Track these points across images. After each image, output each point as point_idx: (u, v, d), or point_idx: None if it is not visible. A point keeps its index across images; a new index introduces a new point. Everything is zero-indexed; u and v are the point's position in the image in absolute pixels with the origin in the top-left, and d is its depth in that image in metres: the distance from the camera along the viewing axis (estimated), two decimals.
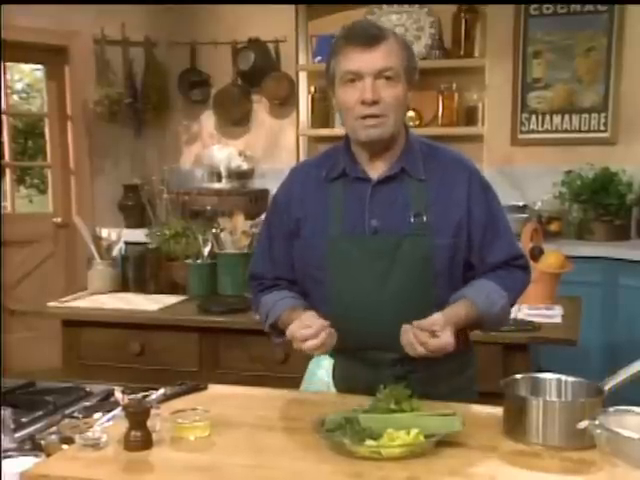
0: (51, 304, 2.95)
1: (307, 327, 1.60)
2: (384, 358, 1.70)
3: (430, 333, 1.55)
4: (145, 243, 3.28)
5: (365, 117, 1.64)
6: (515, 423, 1.43)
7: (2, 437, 1.46)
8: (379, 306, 1.67)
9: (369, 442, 1.35)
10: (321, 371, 1.81)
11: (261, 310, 1.84)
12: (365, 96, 1.62)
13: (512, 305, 1.79)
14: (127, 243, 3.39)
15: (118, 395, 1.49)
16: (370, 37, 1.63)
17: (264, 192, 4.56)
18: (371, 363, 1.71)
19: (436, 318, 1.58)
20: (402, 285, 1.67)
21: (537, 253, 2.82)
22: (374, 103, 1.62)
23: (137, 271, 3.15)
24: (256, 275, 1.88)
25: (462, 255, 1.72)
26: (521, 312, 2.61)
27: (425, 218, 1.68)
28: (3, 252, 4.60)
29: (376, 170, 1.72)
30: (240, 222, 3.08)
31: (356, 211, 1.70)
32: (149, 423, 1.41)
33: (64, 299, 2.99)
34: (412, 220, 1.68)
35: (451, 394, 1.67)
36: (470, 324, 1.71)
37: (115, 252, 3.21)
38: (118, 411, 1.55)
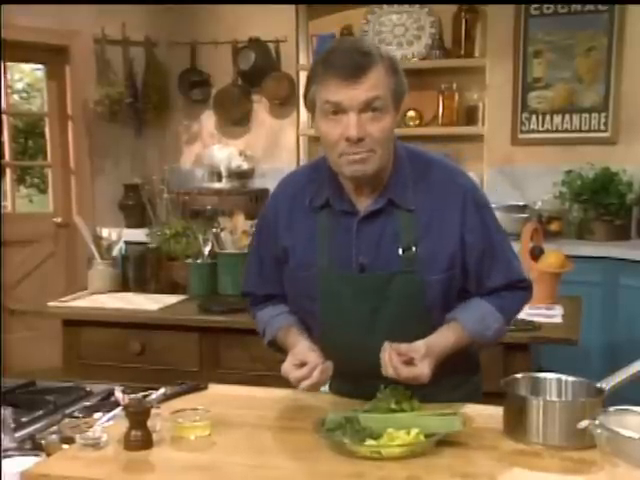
0: (51, 304, 2.94)
1: (300, 364, 1.55)
2: (380, 385, 1.60)
3: (407, 360, 1.50)
4: (145, 243, 3.28)
5: (350, 153, 1.51)
6: (515, 423, 1.43)
7: (2, 437, 1.46)
8: (372, 340, 1.56)
9: (369, 442, 1.35)
10: None
11: (258, 325, 1.83)
12: (350, 133, 1.47)
13: (508, 324, 1.73)
14: (127, 243, 3.39)
15: (118, 395, 1.49)
16: (354, 67, 1.46)
17: (264, 192, 4.55)
18: (368, 387, 1.62)
19: (417, 346, 1.52)
20: (394, 319, 1.60)
21: (537, 253, 2.82)
22: (359, 140, 1.48)
23: (137, 271, 3.15)
24: (248, 293, 1.86)
25: (457, 284, 1.63)
26: (521, 312, 2.61)
27: (415, 250, 1.58)
28: (3, 252, 4.59)
29: (363, 202, 1.62)
30: (240, 222, 3.08)
31: (343, 246, 1.61)
32: (149, 423, 1.41)
33: (64, 299, 2.98)
34: (401, 254, 1.58)
35: (457, 401, 1.62)
36: (461, 347, 1.64)
37: (115, 252, 3.20)
38: (118, 411, 1.54)
